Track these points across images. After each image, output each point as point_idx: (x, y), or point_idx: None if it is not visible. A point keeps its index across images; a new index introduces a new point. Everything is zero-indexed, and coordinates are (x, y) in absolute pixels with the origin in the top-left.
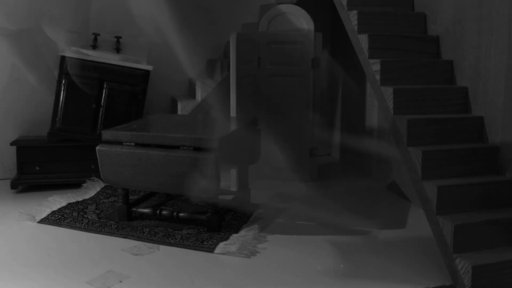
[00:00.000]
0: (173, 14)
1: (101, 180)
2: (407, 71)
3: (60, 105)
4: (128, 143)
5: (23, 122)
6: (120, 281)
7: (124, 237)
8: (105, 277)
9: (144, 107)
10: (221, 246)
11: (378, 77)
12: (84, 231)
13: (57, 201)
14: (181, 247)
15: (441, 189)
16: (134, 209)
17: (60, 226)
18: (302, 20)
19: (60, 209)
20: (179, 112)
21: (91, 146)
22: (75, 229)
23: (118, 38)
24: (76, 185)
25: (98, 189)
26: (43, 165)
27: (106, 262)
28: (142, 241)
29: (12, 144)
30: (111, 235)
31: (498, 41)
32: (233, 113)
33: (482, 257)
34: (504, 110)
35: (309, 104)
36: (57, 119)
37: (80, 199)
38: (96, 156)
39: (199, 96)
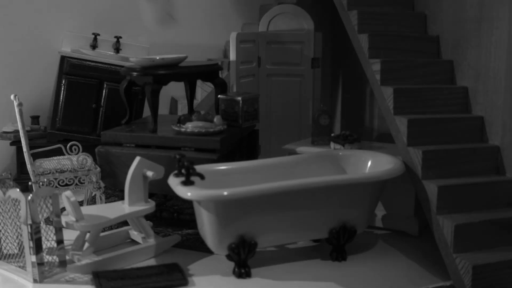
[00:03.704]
0: None
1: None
2: (407, 71)
3: (60, 105)
4: (128, 145)
5: None
6: None
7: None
8: None
9: (144, 107)
10: None
11: (378, 77)
12: None
13: None
14: (181, 247)
15: (441, 189)
16: None
17: None
18: (302, 20)
19: (60, 210)
20: (179, 113)
21: (91, 145)
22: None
23: (118, 38)
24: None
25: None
26: None
27: None
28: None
29: (12, 144)
30: None
31: (498, 41)
32: None
33: (482, 257)
34: (504, 110)
35: (308, 104)
36: (57, 119)
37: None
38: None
39: (199, 96)
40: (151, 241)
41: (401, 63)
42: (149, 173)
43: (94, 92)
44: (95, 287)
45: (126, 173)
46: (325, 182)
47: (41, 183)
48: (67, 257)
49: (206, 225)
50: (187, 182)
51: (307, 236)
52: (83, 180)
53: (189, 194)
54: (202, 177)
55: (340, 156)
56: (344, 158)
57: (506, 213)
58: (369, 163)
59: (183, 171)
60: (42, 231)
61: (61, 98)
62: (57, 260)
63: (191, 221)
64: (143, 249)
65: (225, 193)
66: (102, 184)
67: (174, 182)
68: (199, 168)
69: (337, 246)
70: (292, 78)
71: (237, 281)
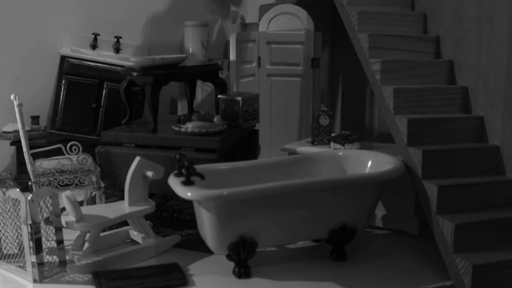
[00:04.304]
0: None
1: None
2: (407, 71)
3: (60, 105)
4: (128, 145)
5: None
6: None
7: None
8: None
9: (144, 107)
10: None
11: (378, 76)
12: None
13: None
14: (181, 247)
15: (441, 189)
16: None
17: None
18: (302, 20)
19: (60, 210)
20: (179, 113)
21: (91, 145)
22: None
23: (118, 38)
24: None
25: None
26: None
27: None
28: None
29: (12, 144)
30: None
31: (498, 41)
32: None
33: (482, 257)
34: (504, 110)
35: (309, 104)
36: (57, 119)
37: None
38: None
39: (199, 96)
40: (151, 241)
41: (401, 63)
42: (149, 173)
43: (94, 92)
44: (95, 287)
45: (126, 173)
46: (326, 182)
47: (41, 184)
48: (67, 257)
49: (206, 225)
50: (187, 182)
51: (307, 236)
52: (83, 180)
53: (189, 194)
54: (202, 177)
55: (340, 156)
56: (344, 158)
57: (506, 213)
58: (369, 163)
59: (183, 171)
60: (42, 231)
61: (61, 98)
62: (57, 260)
63: (191, 221)
64: (143, 249)
65: (225, 193)
66: (102, 184)
67: (174, 182)
68: (199, 168)
69: (337, 246)
70: (292, 78)
71: (237, 281)
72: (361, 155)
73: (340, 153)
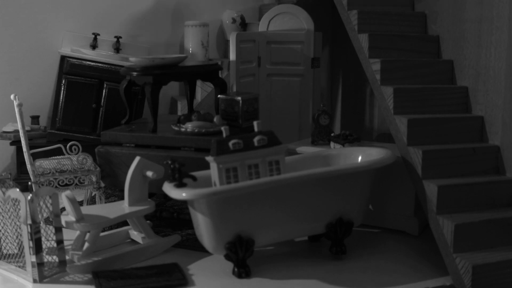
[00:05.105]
0: None
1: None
2: (407, 71)
3: (60, 105)
4: (128, 144)
5: None
6: None
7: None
8: None
9: (144, 107)
10: None
11: (378, 76)
12: None
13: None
14: (181, 247)
15: (441, 188)
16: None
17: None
18: (302, 20)
19: (60, 210)
20: (179, 113)
21: (91, 145)
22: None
23: (118, 38)
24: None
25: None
26: None
27: None
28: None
29: (12, 144)
30: None
31: (498, 41)
32: None
33: (482, 257)
34: (504, 110)
35: (308, 104)
36: (57, 119)
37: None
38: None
39: (199, 96)
40: (151, 241)
41: (401, 63)
42: (149, 173)
43: (94, 92)
44: (95, 287)
45: (126, 173)
46: (315, 174)
47: (40, 184)
48: (67, 257)
49: (202, 225)
50: (180, 184)
51: (305, 232)
52: (83, 180)
53: (183, 194)
54: (194, 178)
55: (337, 155)
56: (335, 157)
57: (506, 213)
58: (359, 158)
59: (176, 175)
60: (42, 231)
61: (61, 98)
62: (57, 260)
63: (191, 221)
64: (143, 249)
65: (218, 190)
66: (102, 184)
67: (168, 187)
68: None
69: (336, 240)
70: (292, 78)
71: (237, 281)
72: (350, 151)
73: (336, 152)
